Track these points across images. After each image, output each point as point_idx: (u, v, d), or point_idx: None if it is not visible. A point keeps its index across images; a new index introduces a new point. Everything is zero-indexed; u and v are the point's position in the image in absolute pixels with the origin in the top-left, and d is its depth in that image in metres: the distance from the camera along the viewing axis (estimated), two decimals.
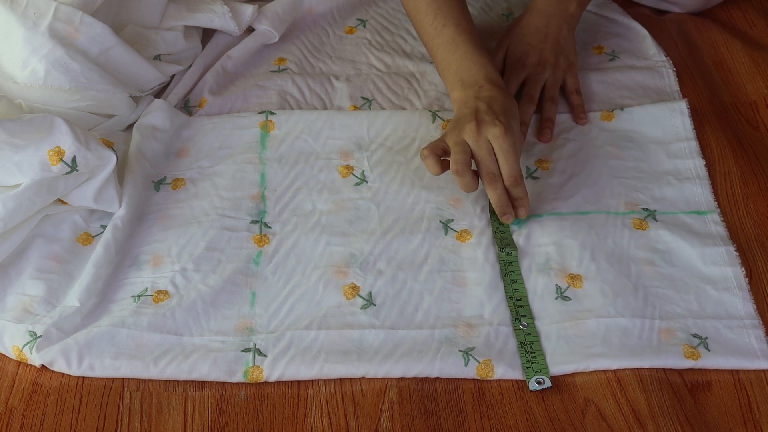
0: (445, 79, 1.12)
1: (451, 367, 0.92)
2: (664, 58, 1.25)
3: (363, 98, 1.20)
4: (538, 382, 0.90)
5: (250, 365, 0.92)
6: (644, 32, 1.28)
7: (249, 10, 1.24)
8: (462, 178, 1.00)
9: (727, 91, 1.22)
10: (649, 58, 1.25)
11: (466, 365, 0.92)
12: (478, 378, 0.91)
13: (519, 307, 0.97)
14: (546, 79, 1.15)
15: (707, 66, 1.26)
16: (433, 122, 1.15)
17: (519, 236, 1.03)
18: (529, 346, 0.93)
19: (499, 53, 1.18)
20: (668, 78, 1.22)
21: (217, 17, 1.22)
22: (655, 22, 1.33)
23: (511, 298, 0.97)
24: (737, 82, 1.23)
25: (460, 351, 0.93)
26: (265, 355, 0.92)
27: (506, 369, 0.92)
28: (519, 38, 1.17)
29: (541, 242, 1.02)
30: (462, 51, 1.09)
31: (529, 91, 1.14)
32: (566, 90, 1.17)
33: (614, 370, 0.92)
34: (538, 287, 0.98)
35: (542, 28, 1.16)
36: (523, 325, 0.95)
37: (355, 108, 1.18)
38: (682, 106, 1.16)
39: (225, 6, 1.22)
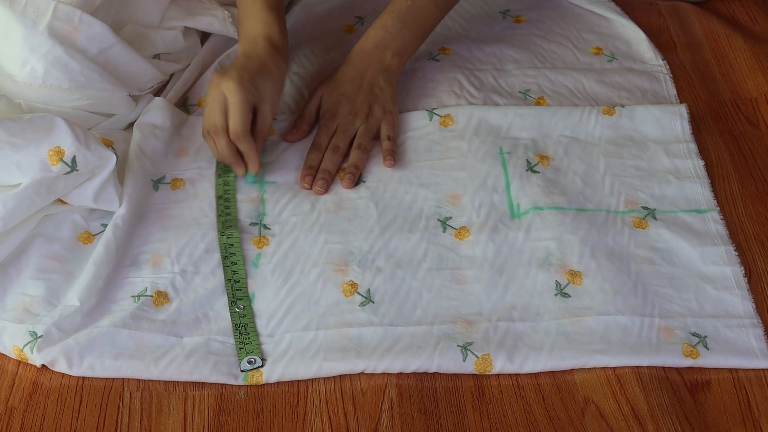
0: (238, 33, 1.14)
1: (450, 362, 0.92)
2: (661, 62, 1.24)
3: None
4: (250, 362, 0.92)
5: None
6: (641, 35, 1.28)
7: None
8: (206, 140, 1.06)
9: (728, 88, 1.22)
10: (646, 61, 1.25)
11: (464, 360, 0.92)
12: (477, 373, 0.92)
13: (237, 290, 0.97)
14: (357, 128, 1.12)
15: (708, 61, 1.26)
16: (430, 120, 1.15)
17: (519, 230, 1.03)
18: (244, 328, 0.94)
19: (312, 102, 1.14)
20: (665, 83, 1.22)
21: (218, 21, 1.22)
22: (658, 11, 1.33)
23: (229, 280, 0.98)
24: (738, 77, 1.23)
25: (459, 346, 0.93)
26: (264, 359, 0.93)
27: (505, 363, 0.92)
28: (333, 88, 1.14)
29: (542, 236, 1.02)
30: (255, 8, 1.11)
31: (335, 142, 1.10)
32: (381, 136, 1.13)
33: (614, 369, 0.92)
34: (537, 283, 0.98)
35: (356, 78, 1.13)
36: (239, 308, 0.96)
37: None
38: (682, 110, 1.16)
39: (226, 11, 1.23)
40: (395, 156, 1.10)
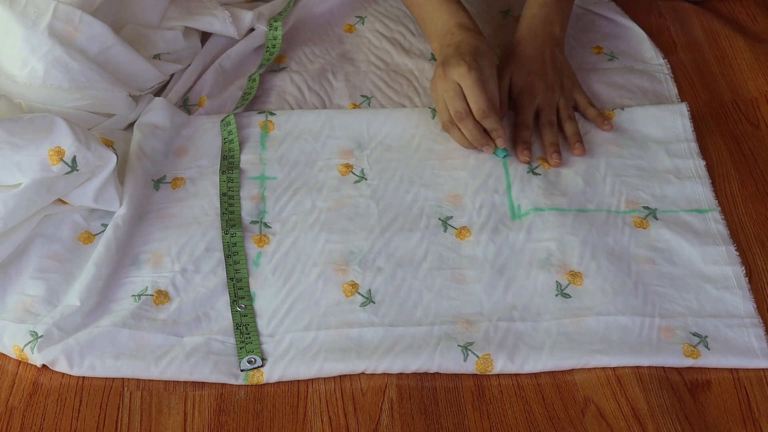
0: (424, 33, 1.19)
1: (450, 362, 0.92)
2: (662, 62, 1.24)
3: (362, 96, 1.20)
4: (250, 362, 0.92)
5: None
6: (642, 34, 1.28)
7: (249, 16, 1.24)
8: (450, 132, 1.10)
9: (728, 88, 1.22)
10: (647, 61, 1.25)
11: (465, 360, 0.92)
12: (477, 373, 0.92)
13: (238, 289, 0.98)
14: (557, 101, 1.15)
15: (708, 61, 1.26)
16: (433, 118, 1.15)
17: (520, 231, 1.03)
18: (245, 328, 0.94)
19: (502, 84, 1.16)
20: (666, 82, 1.22)
21: (218, 21, 1.22)
22: (658, 11, 1.33)
23: (231, 279, 0.98)
24: (738, 78, 1.23)
25: (459, 346, 0.93)
26: (265, 359, 0.93)
27: (505, 363, 0.92)
28: (520, 68, 1.16)
29: (543, 237, 1.02)
30: (434, 2, 1.15)
31: (548, 117, 1.13)
32: (580, 106, 1.16)
33: (614, 369, 0.92)
34: (538, 284, 0.98)
35: (538, 56, 1.16)
36: (241, 307, 0.96)
37: (355, 106, 1.18)
38: (683, 108, 1.16)
39: (226, 11, 1.23)
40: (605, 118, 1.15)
